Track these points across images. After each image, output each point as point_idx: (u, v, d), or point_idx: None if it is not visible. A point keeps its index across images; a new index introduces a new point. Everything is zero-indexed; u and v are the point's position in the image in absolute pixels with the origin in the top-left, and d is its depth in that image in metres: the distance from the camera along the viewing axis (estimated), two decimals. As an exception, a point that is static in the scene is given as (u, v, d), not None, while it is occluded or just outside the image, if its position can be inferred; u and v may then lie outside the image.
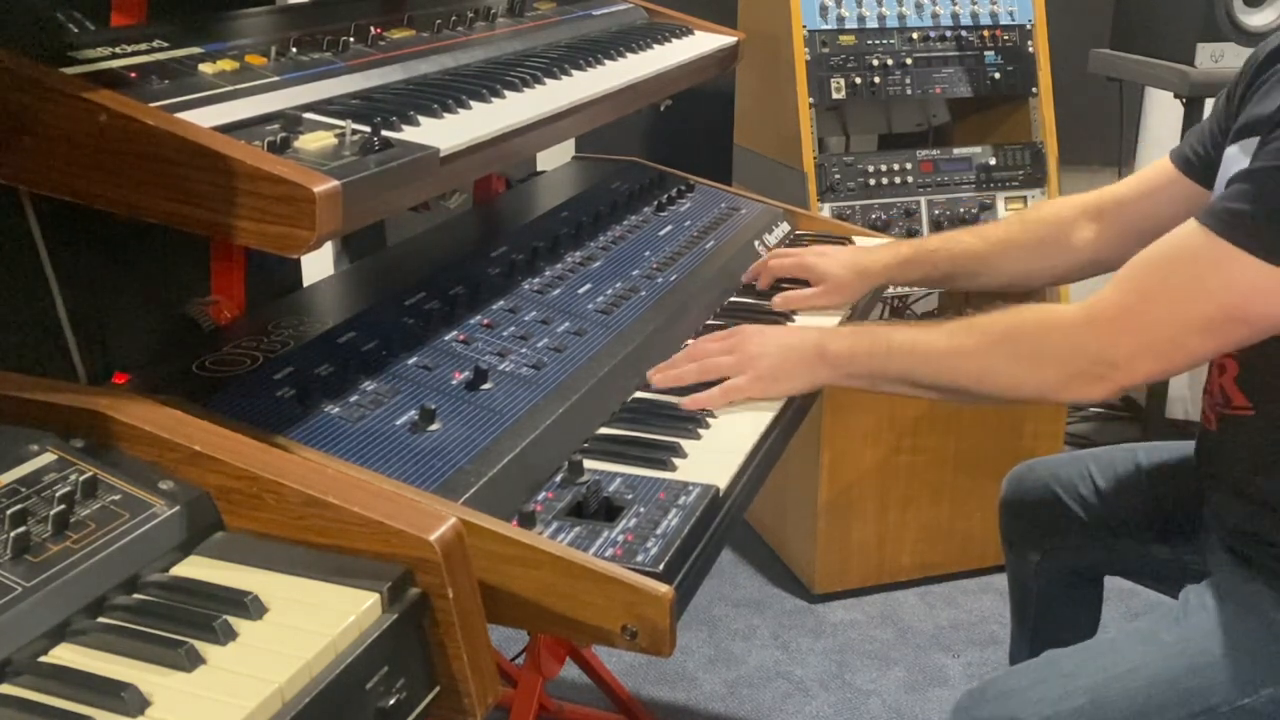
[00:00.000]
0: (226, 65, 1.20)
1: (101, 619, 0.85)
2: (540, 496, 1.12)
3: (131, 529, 0.89)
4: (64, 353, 1.30)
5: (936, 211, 2.57)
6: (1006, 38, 2.64)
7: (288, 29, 1.35)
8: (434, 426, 1.15)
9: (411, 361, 1.27)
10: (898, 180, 2.57)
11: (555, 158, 2.22)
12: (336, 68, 1.31)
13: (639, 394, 1.37)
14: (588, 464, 1.17)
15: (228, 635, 0.83)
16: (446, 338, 1.34)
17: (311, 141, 1.09)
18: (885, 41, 2.57)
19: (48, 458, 0.93)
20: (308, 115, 1.17)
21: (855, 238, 1.96)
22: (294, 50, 1.30)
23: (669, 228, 1.81)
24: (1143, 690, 1.30)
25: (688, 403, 1.33)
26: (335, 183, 1.00)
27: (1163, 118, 3.19)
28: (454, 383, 1.24)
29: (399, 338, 1.30)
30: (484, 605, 0.96)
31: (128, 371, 1.19)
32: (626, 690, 2.24)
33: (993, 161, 2.62)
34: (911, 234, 2.54)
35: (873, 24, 2.56)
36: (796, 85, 2.48)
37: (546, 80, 1.49)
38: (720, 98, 2.86)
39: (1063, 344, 1.28)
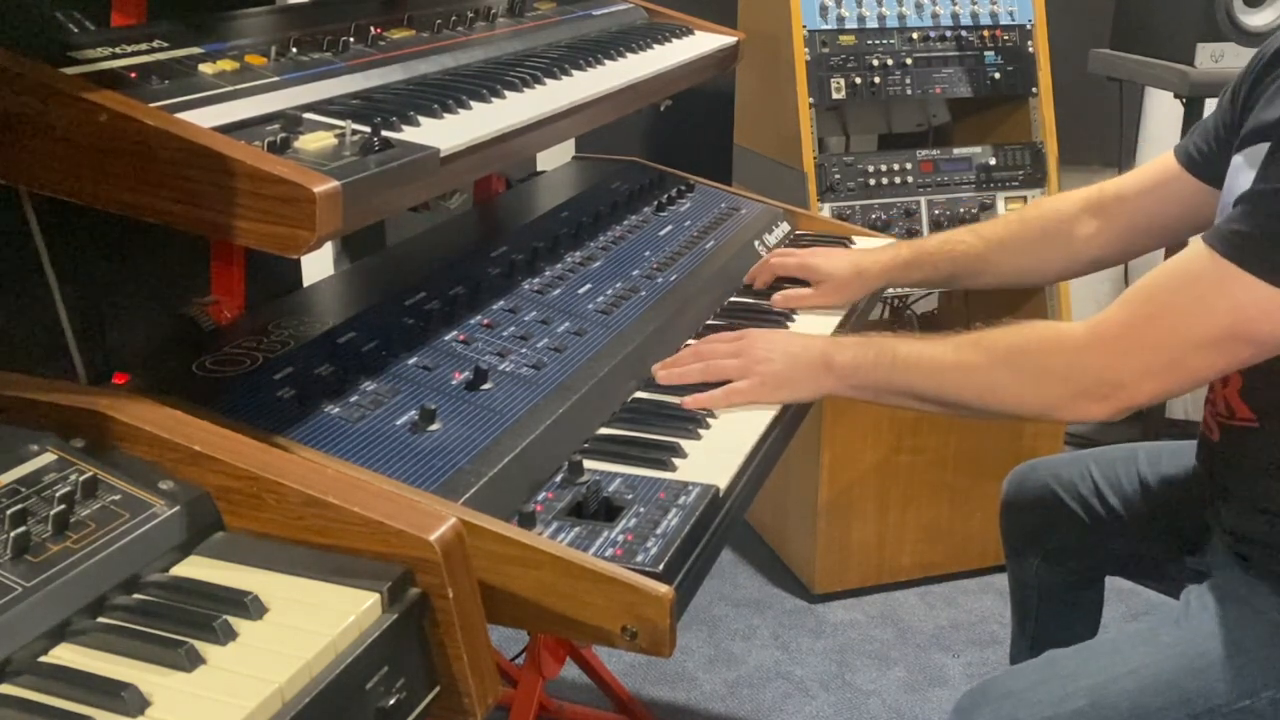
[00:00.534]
0: (226, 65, 1.20)
1: (101, 619, 0.85)
2: (540, 496, 1.12)
3: (131, 529, 0.89)
4: (64, 353, 1.30)
5: (936, 211, 2.57)
6: (1006, 38, 2.64)
7: (288, 29, 1.35)
8: (434, 426, 1.15)
9: (411, 361, 1.27)
10: (898, 180, 2.57)
11: (555, 158, 2.22)
12: (336, 68, 1.31)
13: (639, 394, 1.37)
14: (588, 464, 1.17)
15: (228, 635, 0.83)
16: (446, 338, 1.34)
17: (311, 141, 1.09)
18: (885, 41, 2.57)
19: (48, 458, 0.93)
20: (308, 115, 1.17)
21: (855, 237, 1.96)
22: (294, 50, 1.30)
23: (669, 228, 1.81)
24: (1143, 691, 1.30)
25: (689, 402, 1.33)
26: (335, 183, 1.00)
27: (1163, 118, 3.19)
28: (454, 383, 1.24)
29: (399, 338, 1.30)
30: (484, 605, 0.96)
31: (128, 371, 1.19)
32: (626, 690, 2.24)
33: (993, 161, 2.62)
34: (911, 234, 2.55)
35: (873, 24, 2.56)
36: (796, 85, 2.48)
37: (546, 80, 1.49)
38: (720, 98, 2.86)
39: (1068, 363, 1.28)
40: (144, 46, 1.16)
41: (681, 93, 1.87)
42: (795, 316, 1.65)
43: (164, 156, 1.01)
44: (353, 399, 1.17)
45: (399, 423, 1.15)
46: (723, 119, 2.88)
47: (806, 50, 2.50)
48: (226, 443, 0.97)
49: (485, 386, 1.25)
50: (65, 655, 0.81)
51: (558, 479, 1.15)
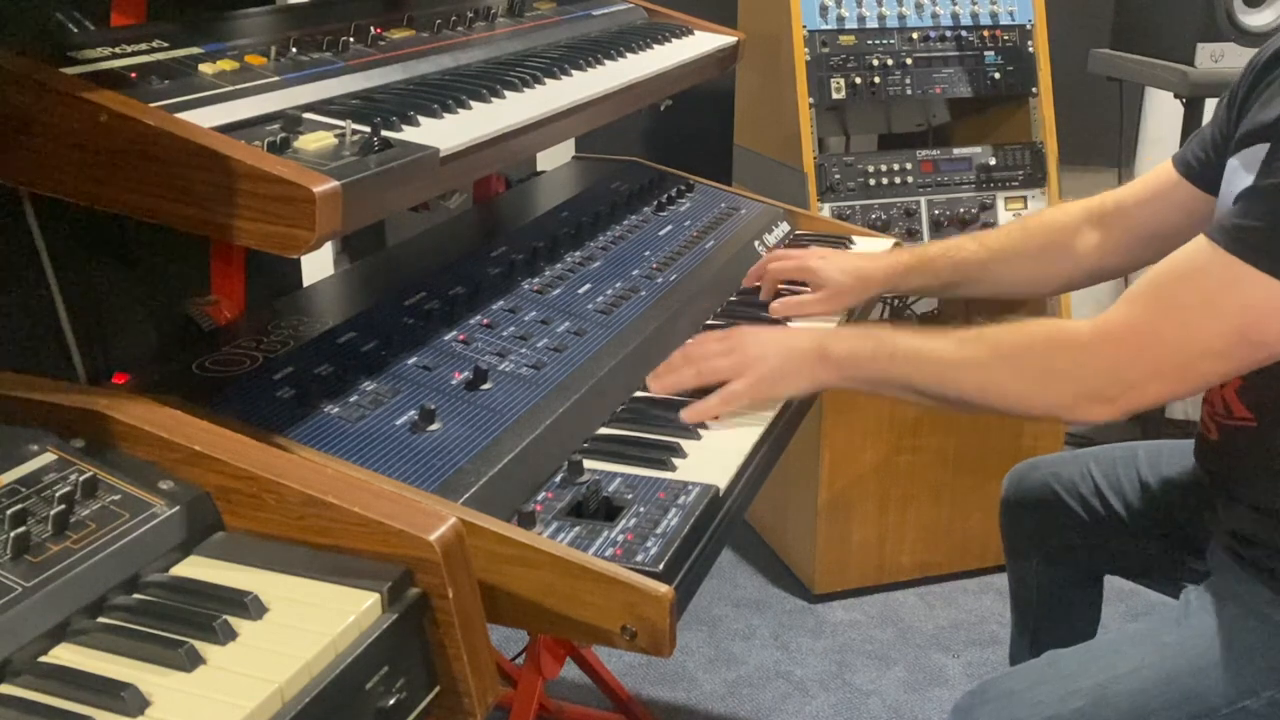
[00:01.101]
0: (226, 65, 1.20)
1: (101, 619, 0.85)
2: (540, 496, 1.12)
3: (131, 529, 0.90)
4: (64, 353, 1.30)
5: (936, 211, 2.57)
6: (1006, 38, 2.64)
7: (288, 29, 1.35)
8: (434, 426, 1.15)
9: (411, 361, 1.27)
10: (898, 180, 2.57)
11: (555, 158, 2.22)
12: (336, 68, 1.31)
13: (639, 394, 1.37)
14: (588, 464, 1.17)
15: (228, 635, 0.83)
16: (446, 338, 1.34)
17: (311, 141, 1.09)
18: (885, 41, 2.57)
19: (48, 458, 0.93)
20: (308, 115, 1.17)
21: (855, 238, 1.96)
22: (294, 50, 1.30)
23: (669, 228, 1.81)
24: (1143, 691, 1.30)
25: (686, 415, 1.30)
26: (335, 183, 1.00)
27: (1163, 118, 3.19)
28: (454, 383, 1.24)
29: (399, 338, 1.30)
30: (484, 605, 0.96)
31: (128, 371, 1.19)
32: (626, 690, 2.24)
33: (993, 161, 2.62)
34: (911, 234, 2.55)
35: (873, 24, 2.56)
36: (796, 85, 2.48)
37: (546, 80, 1.49)
38: (720, 98, 2.86)
39: (1073, 363, 1.26)
40: (144, 46, 1.17)
41: (681, 93, 1.87)
42: (793, 321, 1.63)
43: (164, 156, 1.01)
44: (353, 399, 1.17)
45: (399, 423, 1.15)
46: (723, 119, 2.89)
47: (806, 50, 2.50)
48: (226, 443, 0.97)
49: (485, 386, 1.25)
50: (65, 655, 0.81)
51: (558, 479, 1.15)
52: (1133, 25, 2.88)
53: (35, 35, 1.16)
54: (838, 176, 2.52)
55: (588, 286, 1.54)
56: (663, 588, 0.98)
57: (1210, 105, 2.69)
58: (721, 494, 1.16)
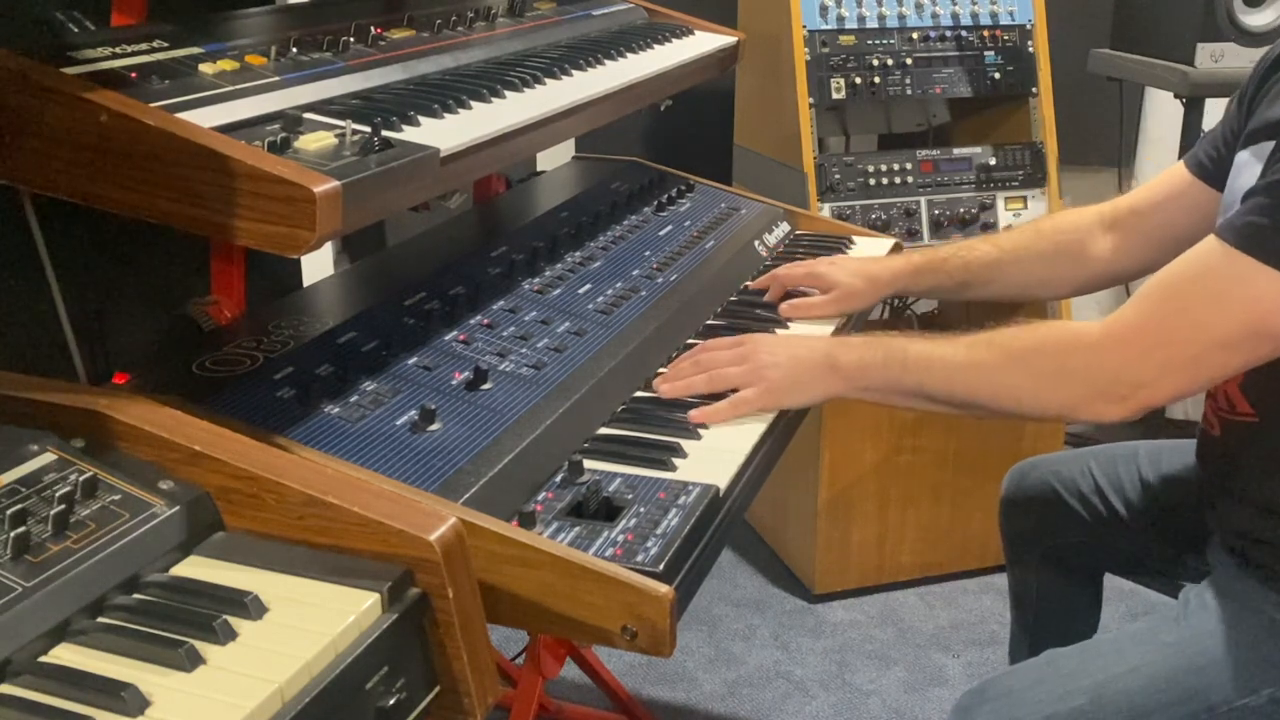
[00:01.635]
0: (226, 65, 1.20)
1: (101, 619, 0.85)
2: (540, 496, 1.12)
3: (131, 529, 0.89)
4: (64, 353, 1.30)
5: (936, 211, 2.57)
6: (1006, 38, 2.64)
7: (288, 29, 1.35)
8: (434, 426, 1.15)
9: (411, 361, 1.27)
10: (898, 180, 2.57)
11: (555, 158, 2.23)
12: (336, 68, 1.31)
13: (639, 394, 1.37)
14: (588, 464, 1.17)
15: (228, 635, 0.83)
16: (446, 338, 1.34)
17: (312, 141, 1.09)
18: (885, 41, 2.57)
19: (48, 458, 0.93)
20: (308, 115, 1.17)
21: (855, 237, 1.96)
22: (294, 50, 1.30)
23: (669, 228, 1.81)
24: (1142, 690, 1.30)
25: (695, 416, 1.31)
26: (335, 183, 1.00)
27: (1163, 118, 3.19)
28: (454, 383, 1.24)
29: (399, 338, 1.30)
30: (484, 605, 0.96)
31: (128, 371, 1.19)
32: (626, 690, 2.24)
33: (993, 161, 2.62)
34: (911, 234, 2.55)
35: (873, 24, 2.56)
36: (796, 85, 2.48)
37: (546, 80, 1.49)
38: (720, 98, 2.86)
39: (1085, 363, 1.27)
40: (144, 46, 1.17)
41: (681, 93, 1.87)
42: (798, 324, 1.62)
43: (164, 156, 1.01)
44: (353, 399, 1.17)
45: (399, 423, 1.15)
46: (723, 119, 2.89)
47: (806, 50, 2.50)
48: (226, 443, 0.97)
49: (485, 386, 1.25)
50: (65, 655, 0.81)
51: (558, 479, 1.15)
52: (1133, 25, 2.89)
53: (35, 35, 1.16)
54: (838, 176, 2.52)
55: (588, 286, 1.54)
56: (663, 588, 0.98)
57: (1210, 105, 2.70)
58: (721, 494, 1.16)
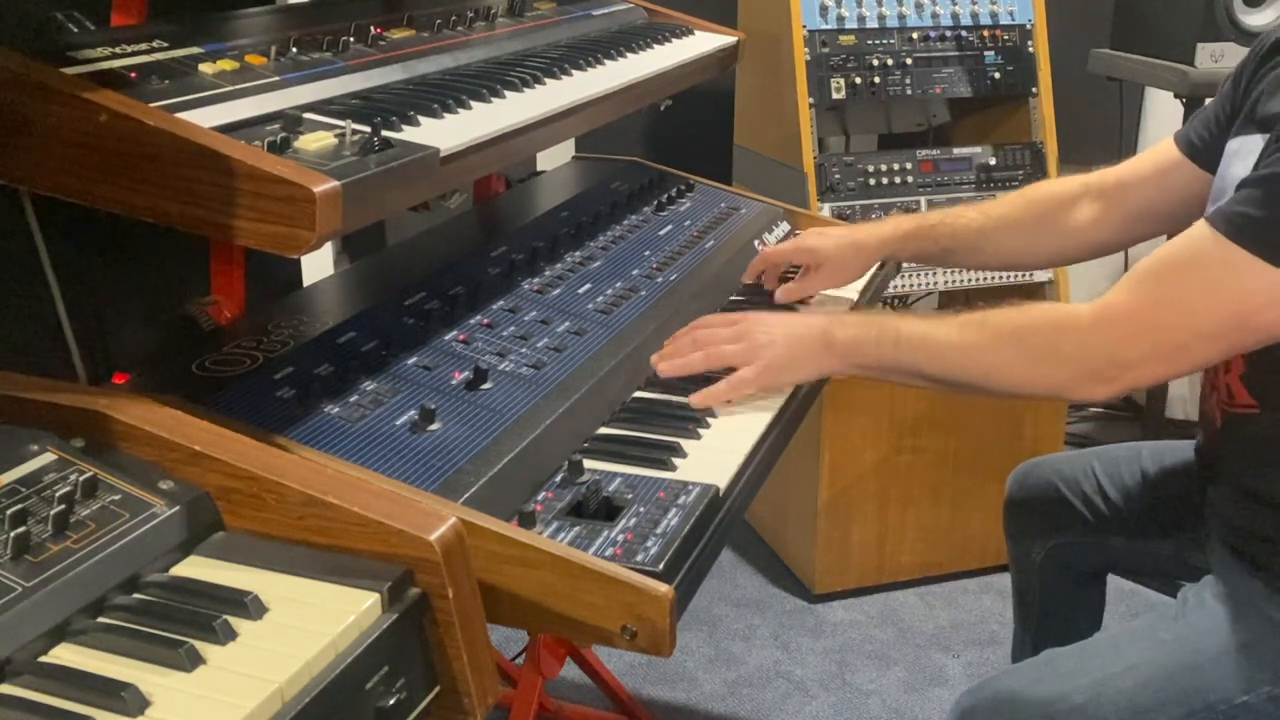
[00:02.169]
0: (226, 65, 1.20)
1: (101, 619, 0.85)
2: (540, 496, 1.12)
3: (131, 529, 0.89)
4: (64, 353, 1.30)
5: (936, 211, 2.57)
6: (1006, 38, 2.64)
7: (288, 29, 1.35)
8: (434, 426, 1.15)
9: (411, 361, 1.27)
10: (898, 180, 2.57)
11: (555, 158, 2.22)
12: (336, 68, 1.31)
13: (639, 394, 1.37)
14: (588, 464, 1.17)
15: (228, 635, 0.83)
16: (446, 338, 1.34)
17: (311, 141, 1.09)
18: (885, 41, 2.57)
19: (48, 458, 0.93)
20: (308, 115, 1.17)
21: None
22: (294, 50, 1.30)
23: (669, 228, 1.81)
24: (1141, 688, 1.30)
25: (695, 400, 1.32)
26: (335, 183, 1.00)
27: (1163, 118, 3.19)
28: (454, 383, 1.24)
29: (399, 338, 1.30)
30: (484, 605, 0.96)
31: (128, 371, 1.19)
32: (626, 690, 2.24)
33: (993, 161, 2.62)
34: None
35: (873, 24, 2.56)
36: (796, 85, 2.48)
37: (546, 80, 1.49)
38: (720, 98, 2.86)
39: (1075, 345, 1.29)
40: (144, 46, 1.16)
41: (681, 93, 1.87)
42: (799, 308, 1.63)
43: (164, 156, 1.01)
44: (353, 399, 1.17)
45: (399, 422, 1.15)
46: (723, 119, 2.88)
47: (806, 50, 2.50)
48: (226, 443, 0.97)
49: (485, 386, 1.25)
50: (65, 655, 0.81)
51: (558, 479, 1.15)
52: (1133, 25, 2.89)
53: (35, 35, 1.16)
54: (838, 176, 2.52)
55: (588, 286, 1.54)
56: (663, 587, 0.98)
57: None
58: (721, 494, 1.16)
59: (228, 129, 1.07)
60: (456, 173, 1.22)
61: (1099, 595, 1.81)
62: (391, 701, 0.86)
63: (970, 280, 2.59)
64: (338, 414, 1.14)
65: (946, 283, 2.62)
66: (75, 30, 1.17)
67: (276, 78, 1.22)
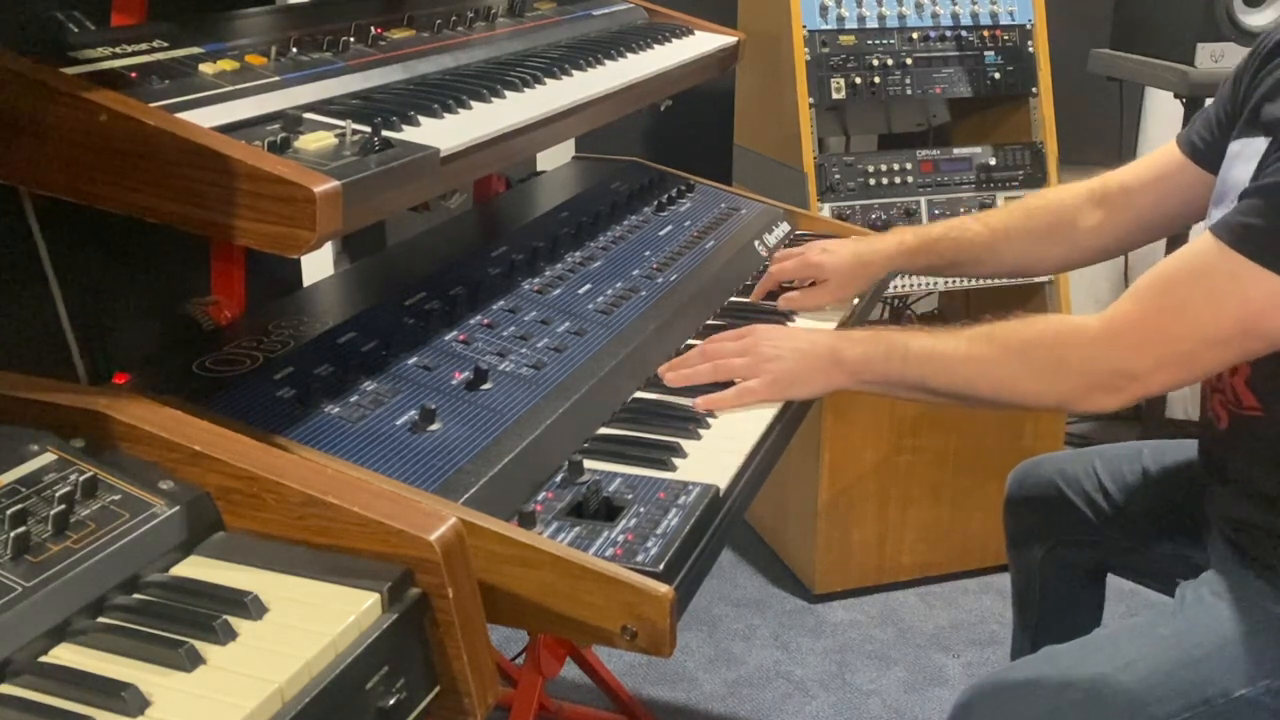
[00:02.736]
0: (226, 65, 1.20)
1: (101, 619, 0.85)
2: (540, 496, 1.12)
3: (131, 529, 0.89)
4: (64, 353, 1.30)
5: (936, 211, 2.57)
6: (1006, 38, 2.64)
7: (288, 29, 1.35)
8: (434, 426, 1.15)
9: (411, 361, 1.27)
10: (898, 180, 2.57)
11: (555, 158, 2.22)
12: (336, 68, 1.31)
13: (639, 394, 1.37)
14: (588, 464, 1.17)
15: (228, 635, 0.83)
16: (446, 338, 1.34)
17: (312, 141, 1.09)
18: (885, 41, 2.57)
19: (48, 458, 0.93)
20: (308, 115, 1.17)
21: (855, 237, 1.96)
22: (294, 50, 1.30)
23: (669, 228, 1.81)
24: (1140, 684, 1.31)
25: (700, 403, 1.33)
26: (335, 183, 1.00)
27: (1163, 118, 3.19)
28: (454, 383, 1.24)
29: (399, 338, 1.30)
30: (484, 605, 0.96)
31: (128, 371, 1.19)
32: (626, 690, 2.24)
33: (993, 161, 2.62)
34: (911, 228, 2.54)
35: (873, 24, 2.56)
36: (796, 85, 2.48)
37: (546, 80, 1.49)
38: (720, 98, 2.86)
39: (1082, 357, 1.30)
40: (144, 46, 1.16)
41: (681, 93, 1.87)
42: (795, 317, 1.65)
43: (164, 156, 1.01)
44: (353, 399, 1.17)
45: (399, 423, 1.15)
46: (723, 119, 2.89)
47: (806, 50, 2.50)
48: (226, 443, 0.97)
49: (485, 386, 1.25)
50: (65, 655, 0.81)
51: (558, 479, 1.15)
52: (1133, 25, 2.89)
53: (35, 35, 1.16)
54: (838, 176, 2.52)
55: (588, 286, 1.54)
56: (663, 588, 0.98)
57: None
58: (721, 494, 1.16)
59: (228, 129, 1.07)
60: (456, 173, 1.22)
61: (1099, 595, 1.81)
62: (391, 701, 0.86)
63: (970, 281, 2.59)
64: (338, 414, 1.14)
65: (947, 283, 2.63)
66: (75, 30, 1.17)
67: (277, 78, 1.22)
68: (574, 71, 1.57)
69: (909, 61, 2.57)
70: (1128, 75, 2.88)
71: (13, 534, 0.83)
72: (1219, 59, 2.65)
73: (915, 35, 2.58)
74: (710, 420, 1.31)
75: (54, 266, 1.27)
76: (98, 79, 1.06)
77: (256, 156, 1.01)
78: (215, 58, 1.21)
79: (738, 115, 2.86)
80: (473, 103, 1.33)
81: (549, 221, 1.74)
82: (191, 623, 0.83)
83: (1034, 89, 2.66)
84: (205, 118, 1.07)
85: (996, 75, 2.63)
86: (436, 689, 0.93)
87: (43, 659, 0.80)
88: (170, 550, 0.91)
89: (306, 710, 0.79)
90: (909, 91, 2.59)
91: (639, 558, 1.02)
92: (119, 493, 0.92)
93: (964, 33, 2.61)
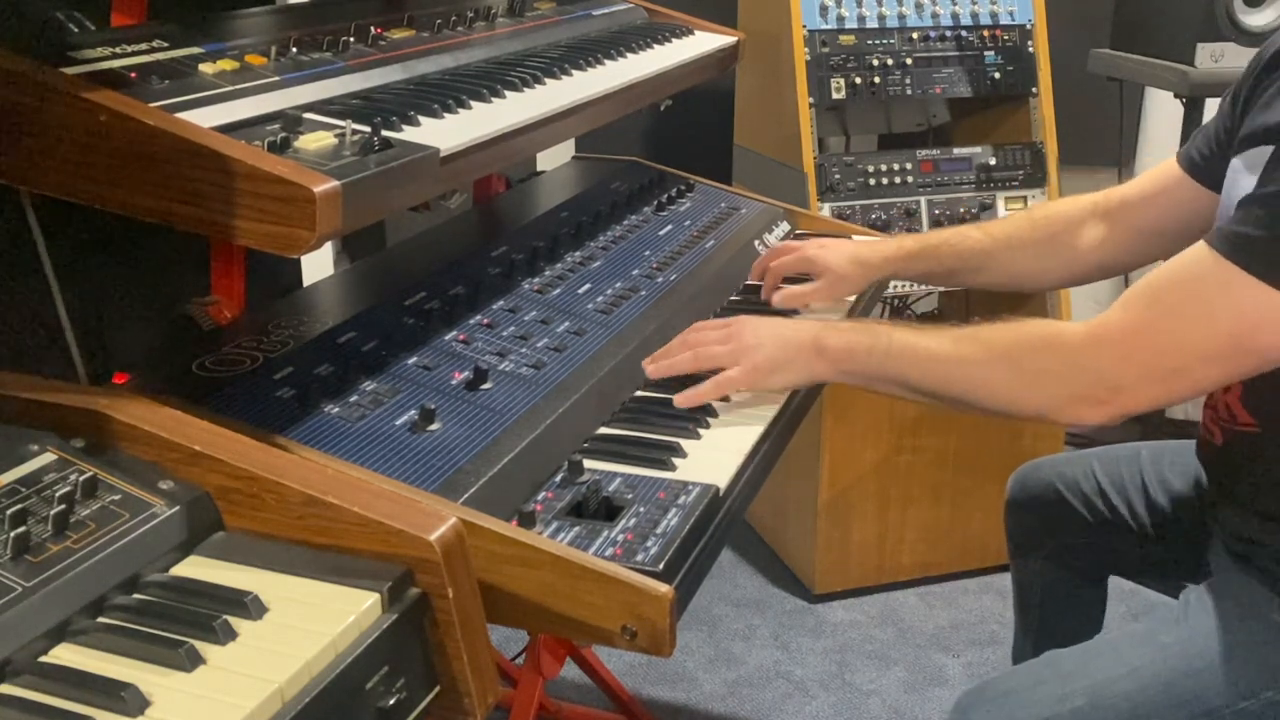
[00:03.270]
0: (226, 65, 1.20)
1: (101, 619, 0.85)
2: (540, 496, 1.12)
3: (131, 529, 0.89)
4: (64, 353, 1.30)
5: (936, 211, 2.57)
6: (1006, 38, 2.64)
7: (288, 29, 1.35)
8: (434, 426, 1.15)
9: (411, 361, 1.27)
10: (898, 180, 2.57)
11: (555, 158, 2.22)
12: (336, 68, 1.31)
13: (639, 393, 1.37)
14: (588, 464, 1.17)
15: (228, 635, 0.83)
16: (446, 338, 1.34)
17: (311, 141, 1.09)
18: (885, 41, 2.57)
19: (48, 458, 0.93)
20: (308, 115, 1.17)
21: (855, 237, 1.96)
22: (294, 50, 1.30)
23: (669, 228, 1.81)
24: (1141, 692, 1.30)
25: (680, 400, 1.32)
26: (335, 183, 1.00)
27: (1163, 118, 3.19)
28: (454, 382, 1.24)
29: (399, 338, 1.30)
30: (484, 605, 0.96)
31: (128, 371, 1.19)
32: (626, 690, 2.24)
33: (993, 161, 2.62)
34: (911, 234, 2.54)
35: (873, 24, 2.56)
36: (796, 85, 2.48)
37: (546, 80, 1.49)
38: (720, 98, 2.86)
39: (1066, 364, 1.25)
40: (144, 46, 1.16)
41: (681, 93, 1.87)
42: (797, 314, 1.64)
43: (164, 156, 1.01)
44: (353, 399, 1.17)
45: (399, 422, 1.15)
46: (723, 119, 2.88)
47: (806, 50, 2.50)
48: (226, 443, 0.97)
49: (485, 386, 1.25)
50: (65, 655, 0.81)
51: (558, 479, 1.15)
52: (1133, 25, 2.88)
53: (35, 35, 1.16)
54: (838, 176, 2.52)
55: (588, 286, 1.54)
56: (663, 587, 0.98)
57: (1210, 105, 2.69)
58: (721, 494, 1.16)
59: (228, 129, 1.07)
60: (456, 173, 1.22)
61: (1100, 596, 1.80)
62: (391, 701, 0.86)
63: (970, 280, 2.59)
64: (338, 414, 1.14)
65: (947, 283, 2.62)
66: (75, 30, 1.17)
67: (276, 78, 1.22)
68: (574, 71, 1.57)
69: (909, 61, 2.57)
70: (1128, 75, 2.88)
71: (13, 534, 0.83)
72: (1219, 59, 2.65)
73: (915, 35, 2.58)
74: (710, 420, 1.31)
75: (54, 266, 1.28)
76: (98, 79, 1.06)
77: (256, 156, 1.01)
78: (215, 58, 1.21)
79: (738, 115, 2.86)
80: (473, 103, 1.33)
81: (549, 221, 1.74)
82: (191, 623, 0.83)
83: (1034, 89, 2.66)
84: (205, 118, 1.07)
85: (996, 75, 2.63)
86: (436, 689, 0.93)
87: (43, 659, 0.80)
88: (170, 550, 0.91)
89: (306, 710, 0.79)
90: (909, 91, 2.58)
91: (639, 557, 1.02)
92: (119, 493, 0.92)
93: (964, 33, 2.61)
